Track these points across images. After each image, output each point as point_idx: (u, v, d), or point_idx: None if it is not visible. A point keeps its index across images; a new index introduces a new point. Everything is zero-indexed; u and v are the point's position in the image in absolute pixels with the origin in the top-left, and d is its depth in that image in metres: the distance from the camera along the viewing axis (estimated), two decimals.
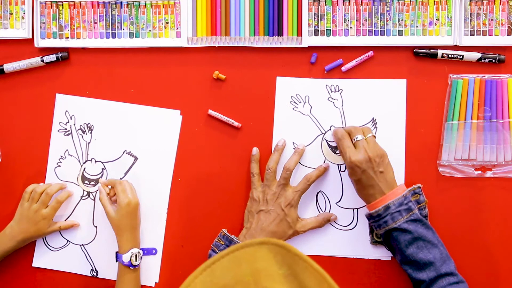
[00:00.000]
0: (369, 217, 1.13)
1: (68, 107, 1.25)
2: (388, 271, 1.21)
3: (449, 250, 1.15)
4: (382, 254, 1.21)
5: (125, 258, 1.17)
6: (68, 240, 1.25)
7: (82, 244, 1.25)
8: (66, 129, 1.25)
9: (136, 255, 1.17)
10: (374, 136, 1.15)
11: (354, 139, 1.14)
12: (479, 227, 1.21)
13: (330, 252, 1.22)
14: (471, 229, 1.21)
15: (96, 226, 1.25)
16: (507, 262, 1.21)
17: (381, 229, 1.11)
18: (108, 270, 1.24)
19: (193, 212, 1.24)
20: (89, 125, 1.25)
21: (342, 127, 1.20)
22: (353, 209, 1.22)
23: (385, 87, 1.22)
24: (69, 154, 1.25)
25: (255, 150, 1.22)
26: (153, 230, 1.23)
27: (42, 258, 1.25)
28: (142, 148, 1.24)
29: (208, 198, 1.24)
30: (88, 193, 1.25)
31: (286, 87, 1.23)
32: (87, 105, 1.25)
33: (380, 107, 1.21)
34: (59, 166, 1.25)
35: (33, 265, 1.25)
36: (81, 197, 1.25)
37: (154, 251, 1.23)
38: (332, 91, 1.22)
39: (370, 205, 1.12)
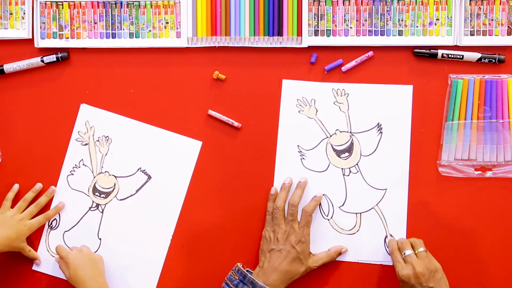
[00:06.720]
0: None
1: (90, 117, 1.24)
2: (391, 275, 1.20)
3: (449, 250, 1.15)
4: (385, 259, 1.21)
5: None
6: (70, 249, 1.24)
7: None
8: (84, 139, 1.24)
9: None
10: (426, 251, 1.14)
11: (403, 254, 1.14)
12: (479, 227, 1.21)
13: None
14: (471, 229, 1.20)
15: (100, 239, 1.24)
16: (507, 261, 1.21)
17: None
18: (108, 283, 1.21)
19: (192, 212, 1.23)
20: (107, 138, 1.24)
21: (394, 238, 1.19)
22: (356, 213, 1.22)
23: (391, 92, 1.21)
24: (83, 164, 1.25)
25: (273, 190, 1.21)
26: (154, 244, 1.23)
27: (43, 263, 1.24)
28: (157, 168, 1.24)
29: (207, 198, 1.23)
30: (97, 205, 1.24)
31: (292, 90, 1.23)
32: (109, 119, 1.24)
33: (386, 112, 1.21)
34: (72, 174, 1.25)
35: (32, 268, 1.25)
36: (90, 208, 1.24)
37: None
38: (338, 95, 1.22)
39: None
